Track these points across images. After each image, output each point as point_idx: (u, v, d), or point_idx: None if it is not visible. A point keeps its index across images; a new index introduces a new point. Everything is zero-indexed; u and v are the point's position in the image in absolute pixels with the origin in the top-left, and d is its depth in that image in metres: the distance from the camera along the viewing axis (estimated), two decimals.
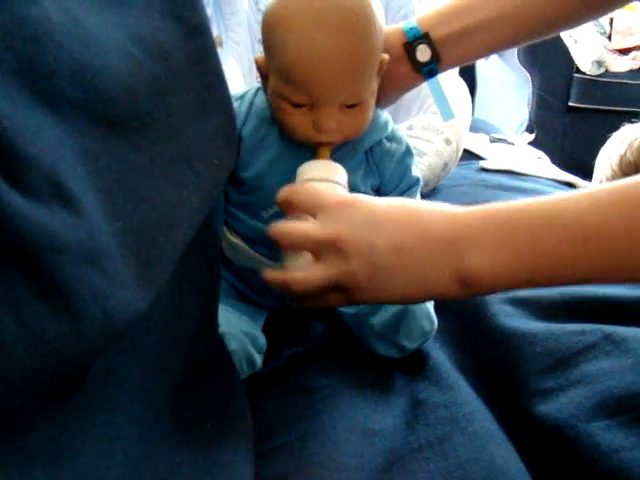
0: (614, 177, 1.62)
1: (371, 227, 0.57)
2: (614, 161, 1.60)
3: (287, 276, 0.59)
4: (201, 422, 0.52)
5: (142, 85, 0.47)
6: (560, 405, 0.63)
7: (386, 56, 0.71)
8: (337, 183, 0.67)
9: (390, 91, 0.80)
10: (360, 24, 0.65)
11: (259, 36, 1.51)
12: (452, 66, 0.84)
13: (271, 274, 0.61)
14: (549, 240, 0.53)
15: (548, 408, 0.64)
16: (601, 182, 1.68)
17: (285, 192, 0.62)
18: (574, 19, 0.82)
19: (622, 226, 0.51)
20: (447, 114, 0.88)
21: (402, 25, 0.80)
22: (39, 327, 0.33)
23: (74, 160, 0.40)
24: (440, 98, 0.87)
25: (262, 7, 1.54)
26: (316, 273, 0.58)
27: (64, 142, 0.39)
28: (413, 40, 0.78)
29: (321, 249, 0.59)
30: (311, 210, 0.60)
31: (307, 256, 0.60)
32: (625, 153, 1.57)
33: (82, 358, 0.37)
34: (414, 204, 0.60)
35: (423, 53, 0.78)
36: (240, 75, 1.31)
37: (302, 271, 0.59)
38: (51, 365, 0.34)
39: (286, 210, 0.63)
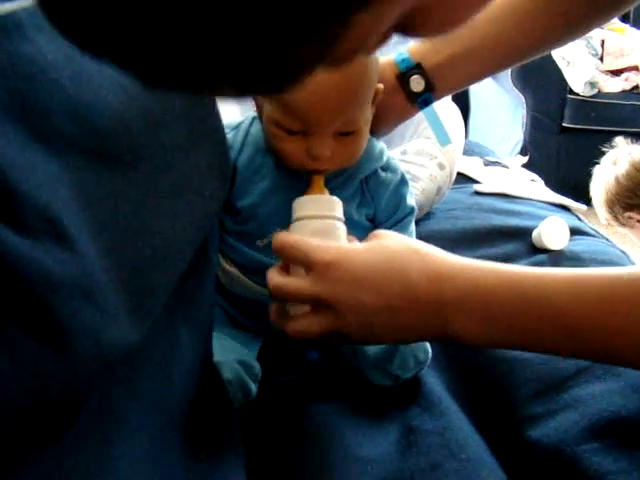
0: (615, 197, 1.64)
1: (359, 287, 0.59)
2: (611, 180, 1.62)
3: (288, 327, 0.63)
4: (195, 453, 0.52)
5: (135, 119, 0.48)
6: (549, 430, 0.64)
7: (381, 85, 0.72)
8: (333, 218, 0.67)
9: (386, 122, 0.81)
10: None
11: None
12: (446, 94, 0.85)
13: (275, 318, 0.66)
14: (531, 324, 0.57)
15: (538, 433, 0.64)
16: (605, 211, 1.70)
17: (277, 243, 0.63)
18: (560, 38, 0.83)
19: (604, 323, 0.55)
20: (444, 140, 0.89)
21: (394, 56, 0.80)
22: (32, 365, 0.33)
23: (68, 196, 0.40)
24: (436, 125, 0.88)
25: None
26: (313, 324, 0.61)
27: (58, 178, 0.40)
28: (406, 71, 0.79)
29: (315, 304, 0.61)
30: (302, 265, 0.62)
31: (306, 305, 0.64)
32: (620, 173, 1.59)
33: (75, 392, 0.37)
34: (401, 262, 0.61)
35: (417, 83, 0.79)
36: (235, 104, 1.32)
37: (301, 316, 0.63)
38: (45, 401, 0.34)
39: (280, 258, 0.65)
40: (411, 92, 0.80)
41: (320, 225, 0.67)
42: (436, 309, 0.59)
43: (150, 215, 0.47)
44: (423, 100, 0.81)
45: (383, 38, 0.31)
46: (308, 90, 0.64)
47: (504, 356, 0.74)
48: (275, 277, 0.63)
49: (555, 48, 0.87)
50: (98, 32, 0.24)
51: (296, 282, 0.62)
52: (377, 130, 0.78)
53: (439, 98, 0.83)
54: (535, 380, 0.70)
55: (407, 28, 0.31)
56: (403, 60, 0.79)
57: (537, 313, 0.56)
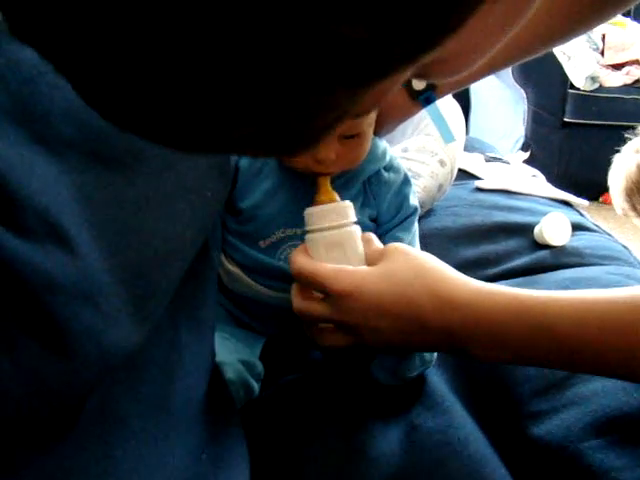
0: (635, 185, 1.63)
1: (373, 315, 0.63)
2: (633, 168, 1.61)
3: (317, 339, 0.69)
4: (197, 453, 0.53)
5: None
6: (552, 427, 0.64)
7: None
8: (345, 226, 0.68)
9: (388, 121, 0.81)
10: None
11: None
12: (448, 92, 0.84)
13: (306, 329, 0.71)
14: (537, 349, 0.61)
15: (540, 430, 0.64)
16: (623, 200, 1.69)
17: (295, 269, 0.66)
18: (563, 35, 0.83)
19: (607, 348, 0.57)
20: (448, 138, 0.88)
21: None
22: (34, 366, 0.34)
23: (69, 198, 0.40)
24: (440, 123, 0.88)
25: None
26: (338, 339, 0.67)
27: (59, 180, 0.40)
28: None
29: (335, 324, 0.67)
30: (319, 292, 0.66)
31: None
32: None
33: (77, 394, 0.38)
34: (411, 289, 0.64)
35: (418, 81, 0.79)
36: None
37: (326, 331, 0.68)
38: (46, 402, 0.35)
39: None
40: (413, 90, 0.79)
41: (334, 237, 0.68)
42: (445, 335, 0.63)
43: (151, 216, 0.47)
44: (425, 98, 0.81)
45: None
46: None
47: None
48: (297, 300, 0.68)
49: (558, 45, 0.87)
50: (121, 106, 0.24)
51: (316, 307, 0.66)
52: (380, 129, 0.78)
53: (441, 96, 0.83)
54: (538, 377, 0.70)
55: (421, 75, 0.32)
56: None
57: (544, 339, 0.59)
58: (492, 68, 0.84)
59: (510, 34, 0.33)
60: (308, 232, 0.68)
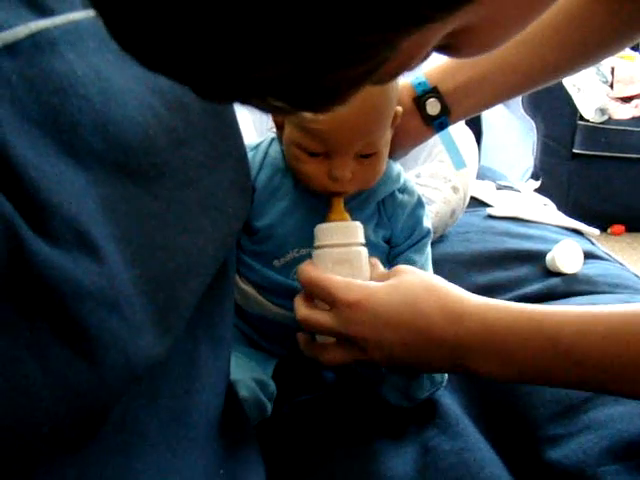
0: None
1: (379, 327, 0.63)
2: None
3: (315, 354, 0.69)
4: (215, 469, 0.52)
5: (160, 136, 0.48)
6: (569, 451, 0.63)
7: (400, 108, 0.72)
8: (354, 245, 0.69)
9: (402, 144, 0.82)
10: None
11: None
12: (462, 118, 0.85)
13: (303, 345, 0.71)
14: (544, 361, 0.60)
15: (557, 455, 0.64)
16: None
17: (303, 277, 0.67)
18: (574, 66, 0.84)
19: (611, 359, 0.57)
20: (459, 164, 0.89)
21: (411, 80, 0.81)
22: (63, 373, 0.34)
23: (95, 209, 0.41)
24: (452, 149, 0.89)
25: None
26: (338, 355, 0.66)
27: (86, 191, 0.41)
28: (422, 94, 0.80)
29: (339, 338, 0.66)
30: (326, 302, 0.66)
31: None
32: None
33: (104, 403, 0.38)
34: (419, 302, 0.64)
35: (433, 107, 0.80)
36: (251, 123, 1.33)
37: (327, 346, 0.67)
38: (75, 410, 0.35)
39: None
40: (427, 115, 0.80)
41: (342, 254, 0.68)
42: (452, 348, 0.62)
43: (173, 230, 0.47)
44: (439, 123, 0.82)
45: (425, 57, 0.32)
46: (330, 114, 0.64)
47: None
48: (301, 309, 0.67)
49: (569, 75, 0.88)
50: (157, 49, 0.25)
51: (321, 317, 0.65)
52: (393, 153, 0.79)
53: (455, 122, 0.84)
54: (554, 402, 0.69)
55: (449, 48, 0.32)
56: (420, 83, 0.80)
57: (550, 352, 0.59)
58: (506, 95, 0.85)
59: (540, 13, 0.33)
60: (316, 248, 0.69)
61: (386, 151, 0.71)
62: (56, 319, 0.34)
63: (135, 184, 0.45)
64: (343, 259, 0.68)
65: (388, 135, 0.71)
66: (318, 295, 0.66)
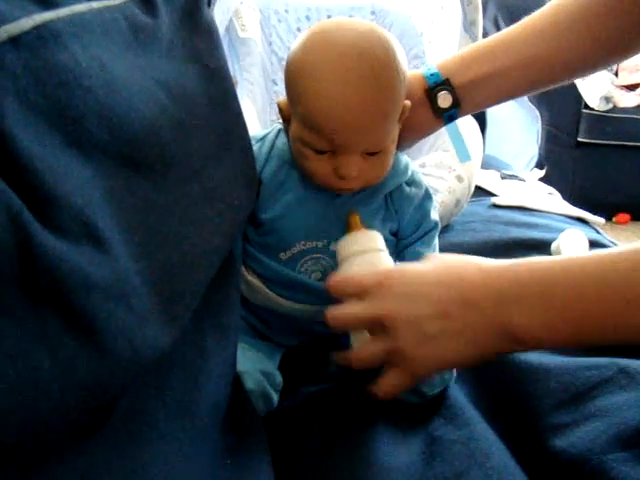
0: None
1: (414, 298, 0.60)
2: None
3: (353, 360, 0.65)
4: (222, 459, 0.53)
5: (166, 128, 0.49)
6: (575, 439, 0.63)
7: (408, 103, 0.72)
8: (376, 250, 0.69)
9: (410, 135, 0.81)
10: (384, 73, 0.65)
11: (273, 76, 1.54)
12: (471, 111, 0.85)
13: (341, 360, 0.67)
14: (593, 302, 0.55)
15: (563, 443, 0.64)
16: None
17: (330, 283, 0.66)
18: (596, 64, 0.83)
19: None
20: (464, 156, 0.89)
21: (423, 71, 0.81)
22: (72, 363, 0.34)
23: (101, 200, 0.41)
24: (458, 141, 0.89)
25: (275, 48, 1.57)
26: (373, 348, 0.64)
27: (92, 183, 0.41)
28: (434, 86, 0.79)
29: (371, 327, 0.64)
30: (357, 295, 0.64)
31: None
32: None
33: (111, 393, 0.38)
34: (454, 263, 0.61)
35: (444, 99, 0.79)
36: (254, 114, 1.33)
37: (362, 345, 0.65)
38: (83, 400, 0.35)
39: (337, 297, 0.67)
40: (438, 107, 0.80)
41: (365, 258, 0.68)
42: (496, 306, 0.57)
43: (179, 221, 0.48)
44: (449, 116, 0.81)
45: None
46: (337, 112, 0.64)
47: (528, 367, 0.73)
48: (330, 310, 0.65)
49: (589, 73, 0.87)
50: None
51: (350, 307, 0.64)
52: (401, 143, 0.79)
53: (464, 115, 0.84)
54: (560, 390, 0.69)
55: None
56: (432, 75, 0.80)
57: (600, 293, 0.55)
58: (521, 90, 0.85)
59: None
60: (341, 261, 0.70)
61: (393, 147, 0.71)
62: (64, 311, 0.35)
63: (141, 176, 0.46)
64: (365, 262, 0.68)
65: (396, 131, 0.70)
66: (347, 290, 0.65)
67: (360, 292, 0.63)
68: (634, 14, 0.75)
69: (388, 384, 0.64)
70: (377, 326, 0.62)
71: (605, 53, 0.81)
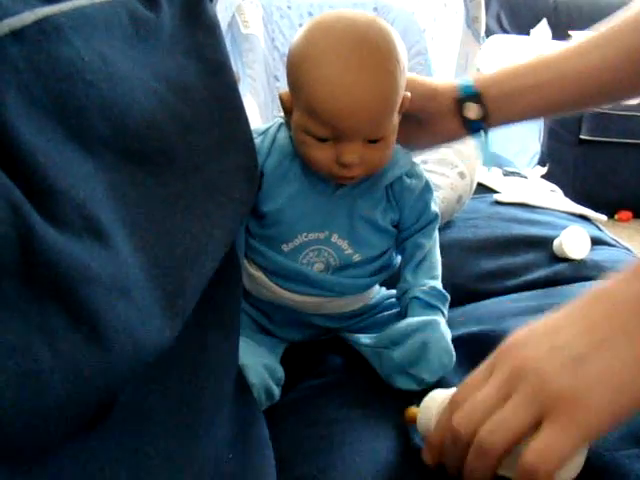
0: None
1: (553, 334, 0.50)
2: None
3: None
4: (225, 452, 0.53)
5: (167, 122, 0.49)
6: None
7: (408, 94, 0.72)
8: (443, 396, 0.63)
9: (435, 140, 0.83)
10: (385, 60, 0.66)
11: (275, 72, 1.54)
12: (500, 124, 0.85)
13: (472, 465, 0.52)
14: None
15: None
16: None
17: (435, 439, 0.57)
18: (633, 92, 0.82)
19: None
20: (488, 162, 0.90)
21: (458, 80, 0.83)
22: (73, 357, 0.34)
23: (103, 194, 0.41)
24: (485, 149, 0.89)
25: (278, 44, 1.58)
26: (510, 416, 0.49)
27: (94, 177, 0.41)
28: (464, 97, 0.81)
29: (501, 395, 0.50)
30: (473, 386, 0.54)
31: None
32: None
33: (113, 387, 0.38)
34: (583, 297, 0.51)
35: (472, 111, 0.81)
36: (256, 110, 1.33)
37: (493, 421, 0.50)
38: (84, 394, 0.35)
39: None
40: (465, 118, 0.81)
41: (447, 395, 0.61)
42: None
43: (181, 215, 0.48)
44: (476, 127, 0.82)
45: None
46: (339, 99, 0.65)
47: None
48: (446, 414, 0.55)
49: (623, 100, 0.87)
50: None
51: (479, 394, 0.52)
52: (423, 145, 0.79)
53: (491, 127, 0.84)
54: None
55: None
56: (465, 87, 0.81)
57: None
58: (552, 109, 0.86)
59: None
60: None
61: (394, 137, 0.71)
62: (65, 304, 0.35)
63: (143, 170, 0.46)
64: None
65: (396, 120, 0.71)
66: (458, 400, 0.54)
67: (475, 387, 0.53)
68: None
69: (544, 446, 0.48)
70: (504, 388, 0.50)
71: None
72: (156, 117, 0.48)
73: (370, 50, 0.65)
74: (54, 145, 0.38)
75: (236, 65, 1.43)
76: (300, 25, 1.60)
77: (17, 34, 0.37)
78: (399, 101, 0.70)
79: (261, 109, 1.37)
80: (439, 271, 0.81)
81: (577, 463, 0.52)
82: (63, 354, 0.34)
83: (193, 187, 0.50)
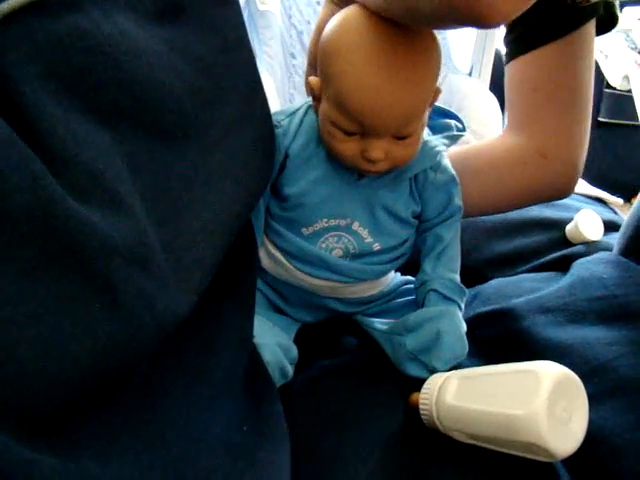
0: None
1: None
2: None
3: None
4: (239, 425, 0.53)
5: (186, 96, 0.49)
6: (604, 413, 0.62)
7: (439, 87, 0.70)
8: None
9: None
10: (419, 58, 0.64)
11: (292, 50, 1.53)
12: None
13: None
14: None
15: (591, 416, 0.63)
16: None
17: None
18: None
19: None
20: None
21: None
22: (92, 326, 0.34)
23: (122, 167, 0.41)
24: None
25: (295, 22, 1.57)
26: None
27: (113, 149, 0.41)
28: None
29: None
30: None
31: None
32: None
33: (132, 357, 0.38)
34: None
35: None
36: (273, 88, 1.33)
37: None
38: (103, 362, 0.35)
39: None
40: None
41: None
42: None
43: (199, 189, 0.48)
44: None
45: None
46: (369, 95, 0.63)
47: (547, 343, 0.73)
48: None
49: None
50: None
51: None
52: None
53: None
54: (580, 364, 0.68)
55: None
56: None
57: None
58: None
59: None
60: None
61: (422, 132, 0.70)
62: (84, 273, 0.35)
63: (161, 143, 0.46)
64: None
65: (426, 116, 0.69)
66: None
67: None
68: None
69: None
70: None
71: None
72: (175, 91, 0.48)
73: (405, 45, 0.62)
74: (74, 117, 0.39)
75: (252, 42, 1.42)
76: (317, 3, 1.59)
77: (38, 4, 0.37)
78: (430, 97, 0.68)
79: (277, 86, 1.36)
80: (458, 263, 0.80)
81: (577, 436, 0.54)
82: (82, 323, 0.34)
83: (211, 162, 0.50)
